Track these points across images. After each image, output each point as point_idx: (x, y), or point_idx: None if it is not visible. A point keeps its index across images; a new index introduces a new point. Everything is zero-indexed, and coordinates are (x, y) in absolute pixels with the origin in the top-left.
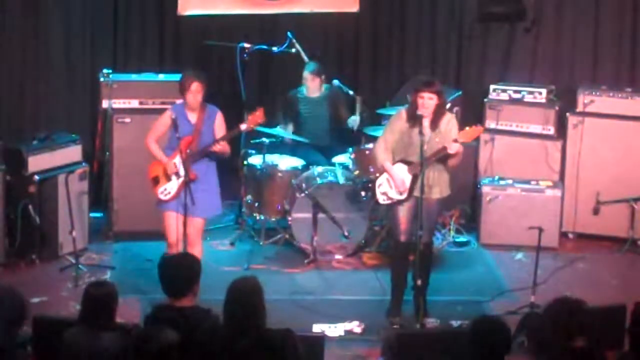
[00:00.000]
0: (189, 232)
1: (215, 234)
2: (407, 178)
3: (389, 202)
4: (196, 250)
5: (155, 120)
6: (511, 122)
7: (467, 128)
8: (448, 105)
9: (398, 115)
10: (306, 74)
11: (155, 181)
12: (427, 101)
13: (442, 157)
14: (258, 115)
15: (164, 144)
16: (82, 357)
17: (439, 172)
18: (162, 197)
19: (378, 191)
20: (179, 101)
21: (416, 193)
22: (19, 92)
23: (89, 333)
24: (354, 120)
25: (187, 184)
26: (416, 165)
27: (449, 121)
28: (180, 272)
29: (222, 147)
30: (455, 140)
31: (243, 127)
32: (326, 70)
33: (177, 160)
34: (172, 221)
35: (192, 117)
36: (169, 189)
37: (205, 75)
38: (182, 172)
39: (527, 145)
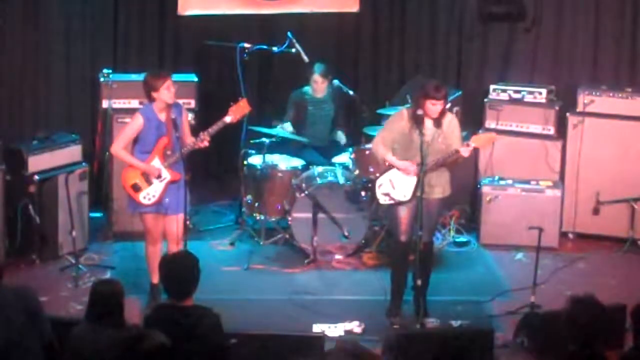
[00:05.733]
0: (177, 230)
1: (215, 234)
2: (412, 179)
3: (391, 202)
4: (180, 246)
5: (124, 127)
6: (511, 122)
7: (480, 133)
8: (448, 105)
9: (399, 115)
10: (316, 75)
11: (136, 187)
12: (437, 107)
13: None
14: (242, 105)
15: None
16: (88, 354)
17: (440, 172)
18: (145, 201)
19: (379, 191)
20: (143, 104)
21: (418, 193)
22: (19, 92)
23: (95, 330)
24: (340, 137)
25: (186, 183)
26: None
27: (450, 121)
28: (183, 273)
29: (207, 141)
30: (468, 145)
31: (227, 119)
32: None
33: (156, 162)
34: (155, 222)
35: (162, 116)
36: (152, 192)
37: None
38: (164, 174)
39: (527, 145)
